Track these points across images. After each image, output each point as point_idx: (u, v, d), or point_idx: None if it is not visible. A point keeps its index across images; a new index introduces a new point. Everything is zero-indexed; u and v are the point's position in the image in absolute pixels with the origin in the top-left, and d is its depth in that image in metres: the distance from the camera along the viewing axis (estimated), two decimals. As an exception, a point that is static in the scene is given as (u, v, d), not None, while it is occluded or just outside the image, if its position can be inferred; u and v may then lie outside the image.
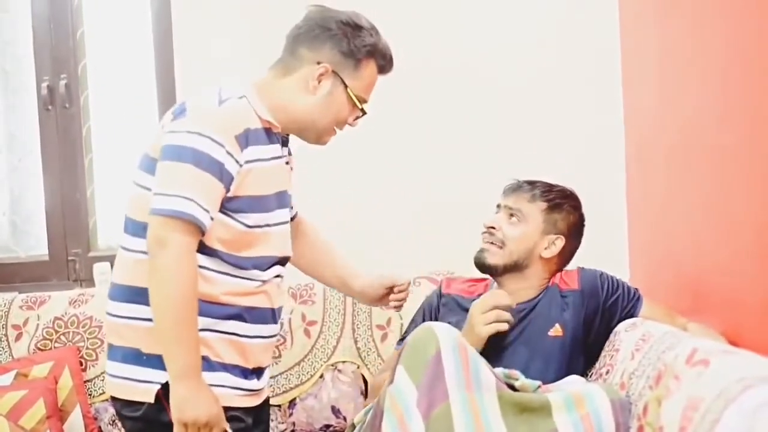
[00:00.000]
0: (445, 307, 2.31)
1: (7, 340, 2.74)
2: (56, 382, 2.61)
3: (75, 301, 2.78)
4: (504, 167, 2.90)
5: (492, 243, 2.20)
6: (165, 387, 1.80)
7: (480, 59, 2.97)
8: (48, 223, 3.20)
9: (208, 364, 1.81)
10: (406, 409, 1.74)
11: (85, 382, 2.68)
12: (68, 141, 3.18)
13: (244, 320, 1.87)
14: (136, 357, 1.84)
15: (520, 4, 2.99)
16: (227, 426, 1.80)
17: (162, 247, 1.72)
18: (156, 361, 1.80)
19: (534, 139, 2.96)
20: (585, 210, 2.29)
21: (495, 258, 2.19)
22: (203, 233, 1.77)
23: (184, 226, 1.73)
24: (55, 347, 2.72)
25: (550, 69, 2.96)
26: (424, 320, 2.32)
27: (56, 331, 2.73)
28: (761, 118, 1.84)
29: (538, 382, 1.94)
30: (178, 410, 1.73)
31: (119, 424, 2.65)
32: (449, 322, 2.11)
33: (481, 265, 2.22)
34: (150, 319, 1.79)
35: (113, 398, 1.91)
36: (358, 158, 2.94)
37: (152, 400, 1.81)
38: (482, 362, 1.82)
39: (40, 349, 2.71)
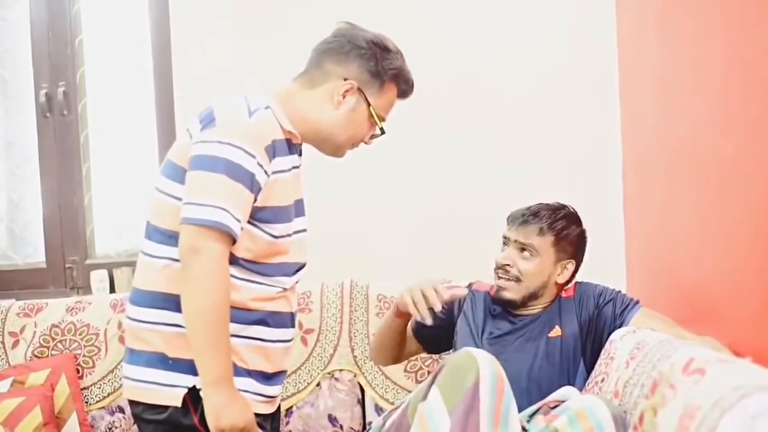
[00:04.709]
0: (472, 300, 2.35)
1: (4, 347, 2.74)
2: (53, 390, 2.60)
3: (72, 309, 2.78)
4: (503, 177, 2.95)
5: (508, 279, 2.24)
6: (191, 391, 1.82)
7: (479, 70, 2.99)
8: (45, 231, 3.21)
9: (235, 369, 1.82)
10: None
11: (81, 389, 2.68)
12: (66, 148, 3.19)
13: (268, 325, 1.89)
14: (161, 361, 1.84)
15: (518, 17, 3.01)
16: (260, 430, 1.82)
17: (196, 256, 1.73)
18: (182, 366, 1.81)
19: (532, 150, 2.97)
20: (582, 220, 2.31)
21: (513, 293, 2.25)
22: (234, 242, 1.78)
23: (218, 235, 1.74)
24: (52, 355, 2.72)
25: (548, 80, 2.98)
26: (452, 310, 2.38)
27: (53, 339, 2.73)
28: (760, 128, 1.84)
29: (543, 423, 1.95)
30: (214, 417, 1.74)
31: (116, 432, 2.67)
32: (474, 315, 2.28)
33: (502, 302, 2.27)
34: (176, 325, 1.81)
35: (133, 401, 1.91)
36: (358, 166, 2.93)
37: (179, 404, 1.82)
38: (514, 401, 1.84)
39: (37, 356, 2.71)
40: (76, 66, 3.21)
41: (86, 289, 3.13)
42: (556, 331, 2.21)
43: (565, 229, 2.25)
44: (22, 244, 3.28)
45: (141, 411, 1.88)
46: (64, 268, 3.18)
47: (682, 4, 2.33)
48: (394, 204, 3.00)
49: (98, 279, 3.09)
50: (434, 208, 2.98)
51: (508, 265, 2.24)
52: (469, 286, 2.41)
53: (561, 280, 2.26)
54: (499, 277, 2.26)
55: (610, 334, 2.18)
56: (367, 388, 2.67)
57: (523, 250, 2.24)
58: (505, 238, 2.29)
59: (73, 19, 3.22)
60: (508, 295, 2.24)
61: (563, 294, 2.28)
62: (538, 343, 2.20)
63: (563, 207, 2.29)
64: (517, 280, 2.23)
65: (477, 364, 1.80)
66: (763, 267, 1.84)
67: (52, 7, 3.19)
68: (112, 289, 3.09)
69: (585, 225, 2.31)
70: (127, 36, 3.26)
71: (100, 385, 2.70)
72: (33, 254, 3.28)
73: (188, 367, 1.80)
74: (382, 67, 1.90)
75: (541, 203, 2.28)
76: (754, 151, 1.87)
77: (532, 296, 2.25)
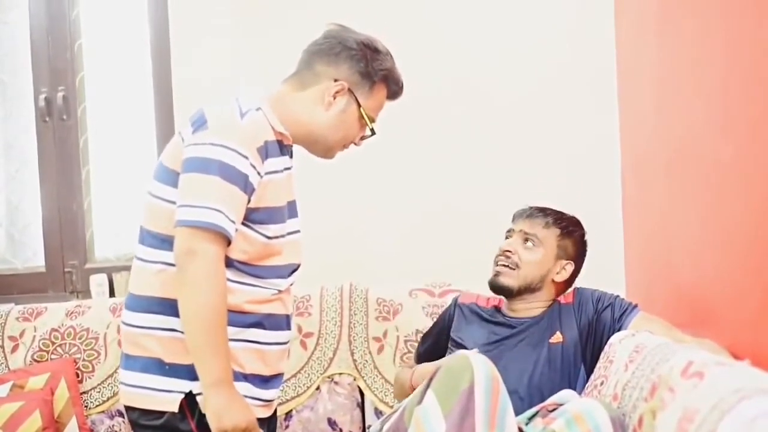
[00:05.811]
0: (460, 316, 2.36)
1: (4, 351, 2.74)
2: (52, 394, 2.60)
3: (71, 313, 2.78)
4: (502, 178, 2.94)
5: (507, 266, 2.25)
6: (188, 396, 1.81)
7: (479, 70, 2.99)
8: (45, 235, 3.20)
9: (232, 374, 1.81)
10: None
11: (81, 393, 2.68)
12: (65, 152, 3.19)
13: (264, 327, 1.89)
14: (157, 367, 1.84)
15: (518, 17, 3.00)
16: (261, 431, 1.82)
17: (192, 258, 1.73)
18: (179, 371, 1.81)
19: (530, 150, 2.97)
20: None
21: (510, 280, 2.25)
22: (229, 244, 1.78)
23: (213, 236, 1.74)
24: (51, 359, 2.71)
25: (547, 80, 2.97)
26: (438, 330, 2.41)
27: (53, 343, 2.73)
28: (760, 128, 1.83)
29: (541, 425, 1.94)
30: (216, 419, 1.74)
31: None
32: (465, 328, 2.28)
33: (498, 287, 2.28)
34: (172, 329, 1.81)
35: (129, 407, 1.91)
36: (357, 168, 2.93)
37: (176, 410, 1.82)
38: (509, 403, 1.84)
39: (36, 360, 2.71)
40: (75, 70, 3.21)
41: (86, 293, 3.13)
42: (557, 338, 2.22)
43: (569, 227, 2.29)
44: (22, 248, 3.28)
45: (137, 417, 1.88)
46: (64, 272, 3.18)
47: (681, 4, 2.33)
48: (393, 206, 3.00)
49: (97, 283, 3.09)
50: (433, 209, 2.97)
51: (510, 251, 2.26)
52: (455, 300, 2.42)
53: (559, 279, 2.27)
54: (498, 264, 2.27)
55: (609, 338, 2.17)
56: (366, 392, 2.67)
57: (526, 240, 2.26)
58: (509, 231, 2.31)
59: (73, 24, 3.22)
60: (504, 280, 2.25)
61: (562, 300, 2.29)
62: (539, 350, 2.20)
63: (569, 214, 2.32)
64: (516, 266, 2.24)
65: (471, 367, 1.79)
66: (763, 269, 1.83)
67: (52, 11, 3.19)
68: (112, 293, 3.09)
69: (584, 226, 2.33)
70: (126, 40, 3.26)
71: (100, 389, 2.70)
72: (32, 258, 3.27)
73: (185, 372, 1.80)
74: (372, 68, 1.91)
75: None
76: (753, 151, 1.87)
77: (528, 288, 2.25)
